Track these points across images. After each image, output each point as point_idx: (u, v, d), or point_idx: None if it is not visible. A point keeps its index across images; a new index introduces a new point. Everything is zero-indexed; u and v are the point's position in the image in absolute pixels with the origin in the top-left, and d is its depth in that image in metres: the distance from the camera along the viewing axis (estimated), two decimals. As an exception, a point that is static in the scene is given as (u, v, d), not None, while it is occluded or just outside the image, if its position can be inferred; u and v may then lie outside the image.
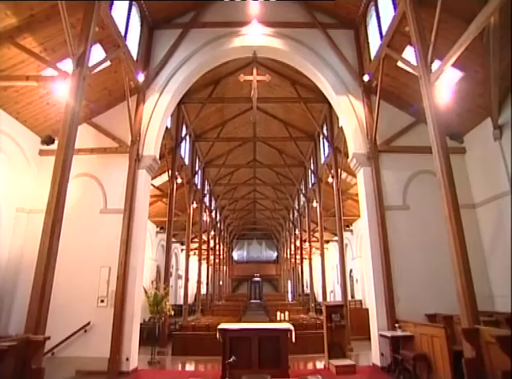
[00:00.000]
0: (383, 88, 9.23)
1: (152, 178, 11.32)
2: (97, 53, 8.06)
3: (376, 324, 8.26)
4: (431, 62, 6.61)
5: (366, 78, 9.73)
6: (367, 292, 9.48)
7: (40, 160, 9.35)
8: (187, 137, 16.72)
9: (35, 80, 7.20)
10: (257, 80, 10.31)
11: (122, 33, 8.77)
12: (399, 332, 7.57)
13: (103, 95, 9.61)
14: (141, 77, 9.57)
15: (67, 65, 7.10)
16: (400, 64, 8.75)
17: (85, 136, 9.31)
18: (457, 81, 8.31)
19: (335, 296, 26.25)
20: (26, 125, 9.00)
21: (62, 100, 6.75)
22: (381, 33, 9.26)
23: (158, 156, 9.77)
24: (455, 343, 6.52)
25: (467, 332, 5.11)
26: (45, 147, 9.42)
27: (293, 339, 7.57)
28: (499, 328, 6.09)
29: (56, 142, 6.42)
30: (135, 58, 9.58)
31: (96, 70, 7.74)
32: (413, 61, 7.18)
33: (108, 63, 8.61)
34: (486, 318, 6.07)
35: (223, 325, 7.82)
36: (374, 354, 8.34)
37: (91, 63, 7.11)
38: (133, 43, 9.61)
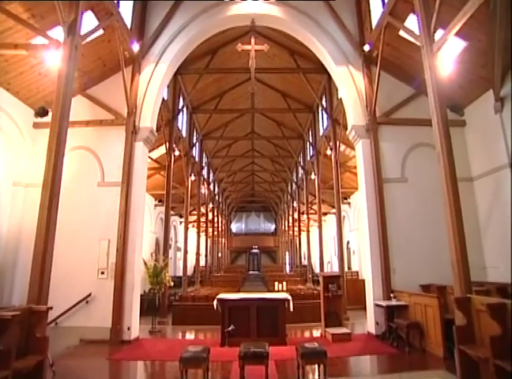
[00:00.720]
0: (384, 58, 9.01)
1: (150, 151, 11.22)
2: (89, 21, 7.77)
3: (372, 294, 8.46)
4: (434, 31, 6.39)
5: (366, 48, 9.45)
6: (363, 263, 9.65)
7: (35, 133, 9.19)
8: (184, 109, 16.48)
9: (24, 49, 6.95)
10: (256, 50, 10.00)
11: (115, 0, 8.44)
12: (394, 302, 7.78)
13: (97, 65, 9.35)
14: (135, 47, 9.26)
15: (58, 33, 6.84)
16: (402, 33, 8.50)
17: (80, 108, 9.14)
18: (460, 51, 8.10)
19: (332, 267, 26.77)
20: (18, 96, 8.78)
21: (55, 70, 6.55)
22: (383, 0, 8.94)
23: (155, 128, 9.64)
24: (447, 312, 6.73)
25: (459, 300, 5.26)
26: (39, 119, 9.26)
27: (291, 309, 7.77)
28: (490, 296, 6.25)
29: (50, 114, 6.30)
30: (129, 27, 9.25)
31: (88, 39, 7.47)
32: (416, 31, 6.96)
33: (101, 32, 8.33)
34: (477, 288, 6.22)
35: (221, 295, 8.00)
36: (370, 322, 8.59)
37: (83, 31, 6.86)
38: (126, 10, 9.25)
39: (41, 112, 9.18)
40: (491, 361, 4.23)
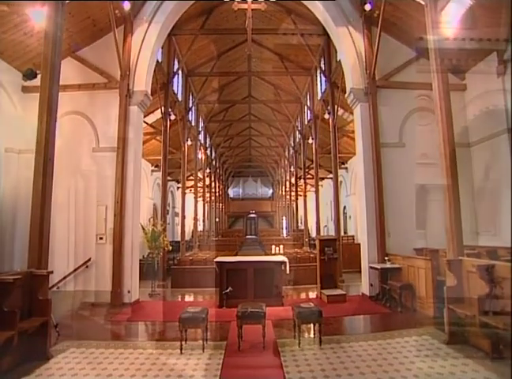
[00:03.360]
0: (385, 18, 8.63)
1: (145, 115, 11.00)
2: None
3: (367, 258, 8.65)
4: (439, -12, 6.12)
5: (367, 7, 9.00)
6: (359, 227, 9.79)
7: (25, 98, 8.90)
8: (179, 72, 16.00)
9: (4, 4, 6.59)
10: (252, 9, 9.59)
11: (102, -48, 7.93)
12: (388, 265, 7.98)
13: (86, 25, 8.91)
14: (126, 5, 8.76)
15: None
16: (405, -10, 8.11)
17: (71, 71, 8.84)
18: (465, 10, 7.76)
19: (328, 231, 27.13)
20: (3, 57, 8.36)
21: (41, 30, 6.23)
22: (386, -47, 8.45)
23: (150, 92, 9.39)
24: (439, 274, 6.93)
25: (451, 262, 5.44)
26: (28, 83, 8.92)
27: (287, 271, 7.95)
28: (480, 259, 6.43)
29: (39, 77, 6.07)
30: (118, -17, 8.75)
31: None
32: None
33: (89, -12, 7.91)
34: (469, 251, 6.38)
35: (220, 258, 8.15)
36: (364, 284, 8.84)
37: (69, -13, 6.48)
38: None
39: (29, 74, 8.72)
40: (477, 317, 4.52)
